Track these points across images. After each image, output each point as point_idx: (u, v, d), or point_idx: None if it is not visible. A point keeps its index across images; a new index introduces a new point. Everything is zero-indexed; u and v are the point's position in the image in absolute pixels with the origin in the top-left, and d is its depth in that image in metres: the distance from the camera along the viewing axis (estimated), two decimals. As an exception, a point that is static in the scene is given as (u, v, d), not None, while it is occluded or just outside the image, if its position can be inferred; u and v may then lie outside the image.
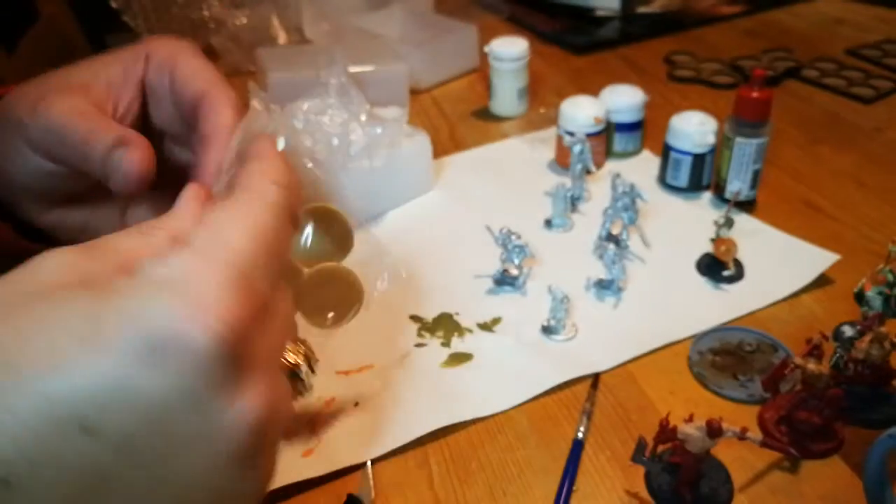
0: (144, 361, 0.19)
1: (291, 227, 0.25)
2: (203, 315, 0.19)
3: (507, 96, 0.77)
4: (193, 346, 0.19)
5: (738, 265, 0.54)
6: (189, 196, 0.27)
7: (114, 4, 0.57)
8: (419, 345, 0.48)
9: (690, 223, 0.59)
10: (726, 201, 0.60)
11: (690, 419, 0.36)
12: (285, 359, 0.26)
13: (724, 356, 0.47)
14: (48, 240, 0.35)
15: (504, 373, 0.46)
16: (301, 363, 0.27)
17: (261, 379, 0.22)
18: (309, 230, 0.32)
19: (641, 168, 0.67)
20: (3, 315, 0.19)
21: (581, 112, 0.65)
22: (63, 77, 0.33)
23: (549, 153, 0.71)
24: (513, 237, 0.52)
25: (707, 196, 0.63)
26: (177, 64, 0.33)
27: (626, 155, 0.70)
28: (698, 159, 0.61)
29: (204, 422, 0.20)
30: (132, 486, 0.20)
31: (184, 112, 0.34)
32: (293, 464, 0.40)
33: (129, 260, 0.22)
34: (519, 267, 0.53)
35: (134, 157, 0.30)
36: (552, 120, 0.76)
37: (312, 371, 0.28)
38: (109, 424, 0.18)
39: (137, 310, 0.19)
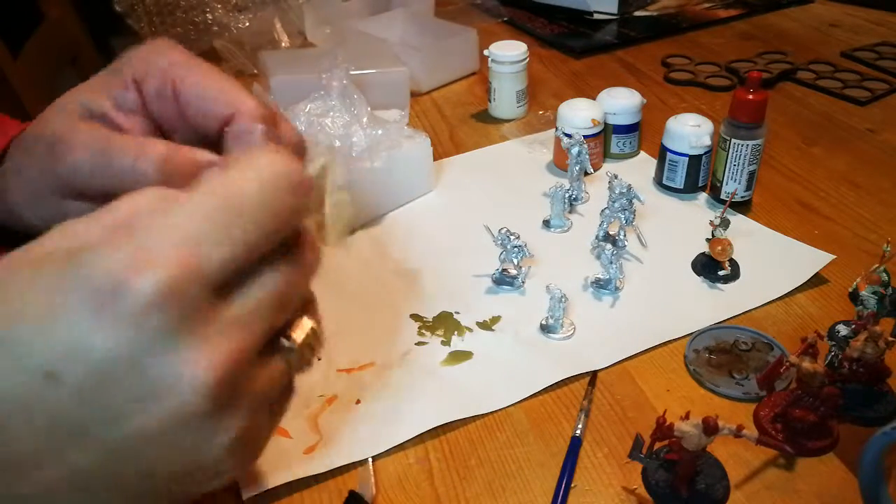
0: (93, 312, 0.20)
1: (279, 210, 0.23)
2: (144, 265, 0.20)
3: (506, 99, 0.78)
4: (133, 295, 0.20)
5: (734, 265, 0.54)
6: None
7: (118, 8, 0.58)
8: (420, 343, 0.49)
9: (687, 224, 0.60)
10: (722, 202, 0.60)
11: (687, 417, 0.36)
12: (285, 334, 0.26)
13: (720, 355, 0.47)
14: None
15: (503, 371, 0.46)
16: (295, 337, 0.26)
17: (217, 340, 0.22)
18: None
19: (638, 169, 0.68)
20: None
21: (579, 114, 0.66)
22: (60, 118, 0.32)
23: (548, 155, 0.71)
24: (512, 237, 0.52)
25: (703, 197, 0.64)
26: (180, 89, 0.31)
27: (623, 156, 0.71)
28: (694, 161, 0.62)
29: (152, 376, 0.21)
30: (100, 440, 0.21)
31: (208, 134, 0.31)
32: (295, 461, 0.41)
33: (128, 218, 0.22)
34: (518, 267, 0.54)
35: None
36: (550, 122, 0.77)
37: (320, 345, 0.27)
38: (70, 374, 0.20)
39: (89, 264, 0.20)
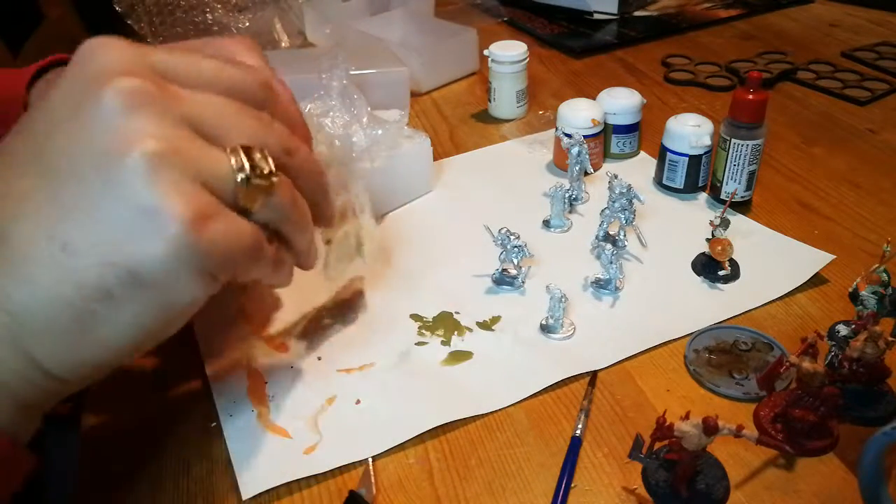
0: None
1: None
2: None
3: (506, 99, 0.78)
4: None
5: (734, 265, 0.54)
6: None
7: (118, 8, 0.57)
8: (419, 343, 0.49)
9: (687, 224, 0.60)
10: (722, 202, 0.60)
11: (687, 417, 0.36)
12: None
13: (720, 354, 0.47)
14: None
15: (503, 371, 0.46)
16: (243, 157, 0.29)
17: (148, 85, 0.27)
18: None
19: (638, 169, 0.68)
20: None
21: (579, 114, 0.66)
22: None
23: (548, 155, 0.71)
24: (512, 237, 0.52)
25: (703, 197, 0.64)
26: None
27: (623, 156, 0.71)
28: (694, 161, 0.62)
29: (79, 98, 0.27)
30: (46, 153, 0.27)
31: None
32: (295, 461, 0.41)
33: None
34: (518, 267, 0.54)
35: None
36: (550, 122, 0.77)
37: (254, 168, 0.29)
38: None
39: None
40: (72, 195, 0.26)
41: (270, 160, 0.29)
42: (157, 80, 0.28)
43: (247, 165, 0.28)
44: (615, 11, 1.02)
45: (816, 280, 0.53)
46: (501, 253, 0.53)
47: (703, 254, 0.55)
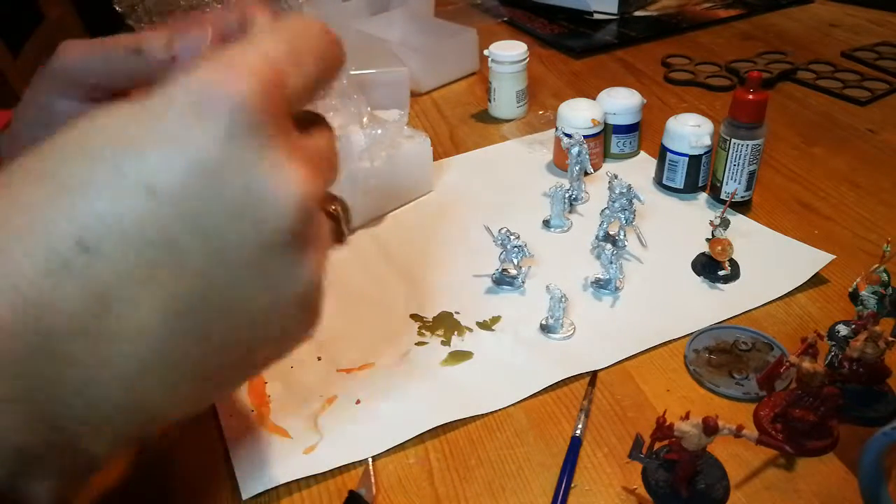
0: (187, 119, 0.20)
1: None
2: (237, 73, 0.21)
3: (506, 99, 0.78)
4: (225, 101, 0.20)
5: (734, 265, 0.54)
6: None
7: (118, 8, 0.57)
8: (420, 343, 0.49)
9: (687, 224, 0.60)
10: (722, 202, 0.60)
11: (687, 417, 0.36)
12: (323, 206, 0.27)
13: (720, 354, 0.47)
14: None
15: (503, 371, 0.46)
16: (338, 208, 0.27)
17: (300, 163, 0.22)
18: None
19: (638, 169, 0.68)
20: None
21: (579, 114, 0.66)
22: None
23: (548, 155, 0.71)
24: (512, 237, 0.52)
25: (703, 197, 0.64)
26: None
27: (623, 156, 0.71)
28: (694, 161, 0.62)
29: (244, 187, 0.21)
30: (190, 259, 0.21)
31: None
32: (295, 461, 0.41)
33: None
34: (518, 267, 0.54)
35: (203, 34, 0.30)
36: (551, 122, 0.77)
37: (348, 221, 0.28)
38: (166, 184, 0.20)
39: (181, 83, 0.21)
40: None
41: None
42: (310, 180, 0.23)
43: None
44: (615, 11, 1.02)
45: (816, 280, 0.53)
46: (501, 253, 0.53)
47: (703, 254, 0.55)
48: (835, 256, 0.54)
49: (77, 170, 0.20)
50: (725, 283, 0.53)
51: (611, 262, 0.52)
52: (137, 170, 0.20)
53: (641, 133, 0.71)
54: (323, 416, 0.44)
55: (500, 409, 0.44)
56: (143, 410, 0.22)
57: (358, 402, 0.45)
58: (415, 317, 0.51)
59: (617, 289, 0.53)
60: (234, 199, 0.21)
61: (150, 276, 0.20)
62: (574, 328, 0.50)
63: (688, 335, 0.49)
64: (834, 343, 0.44)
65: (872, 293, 0.44)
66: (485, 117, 0.80)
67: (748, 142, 0.58)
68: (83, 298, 0.19)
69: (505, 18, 1.06)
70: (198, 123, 0.20)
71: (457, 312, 0.52)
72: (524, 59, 0.77)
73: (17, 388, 0.19)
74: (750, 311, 0.51)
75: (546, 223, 0.61)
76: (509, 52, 0.76)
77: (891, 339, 0.40)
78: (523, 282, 0.54)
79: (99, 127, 0.21)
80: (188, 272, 0.21)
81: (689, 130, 0.61)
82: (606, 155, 0.70)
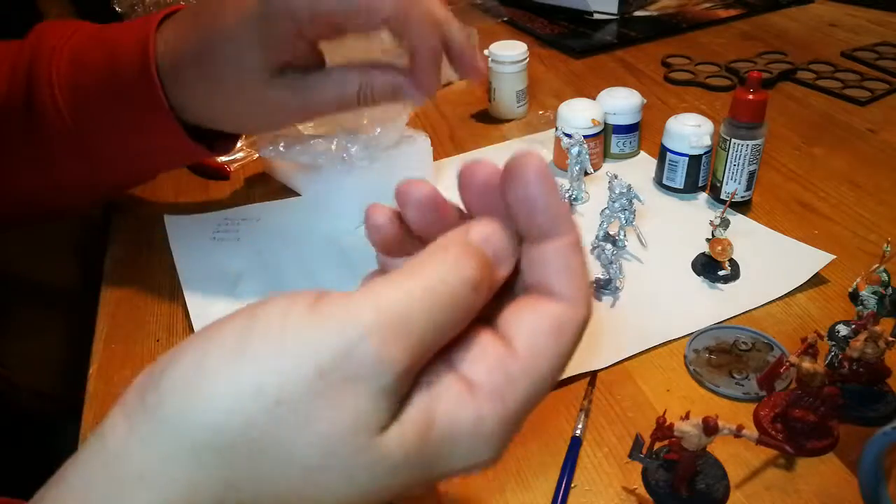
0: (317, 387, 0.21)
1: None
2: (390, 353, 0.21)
3: (506, 99, 0.78)
4: (365, 371, 0.21)
5: (734, 265, 0.54)
6: None
7: (118, 8, 0.57)
8: (419, 344, 0.49)
9: (687, 224, 0.60)
10: (722, 202, 0.60)
11: (687, 417, 0.36)
12: None
13: (720, 354, 0.47)
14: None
15: (503, 371, 0.46)
16: None
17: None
18: None
19: (638, 169, 0.68)
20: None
21: (579, 114, 0.66)
22: None
23: (548, 155, 0.71)
24: (512, 238, 0.52)
25: (703, 197, 0.64)
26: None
27: (623, 156, 0.71)
28: (694, 161, 0.62)
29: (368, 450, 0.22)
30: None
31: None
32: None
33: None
34: (518, 267, 0.53)
35: None
36: (550, 122, 0.77)
37: None
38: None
39: (312, 341, 0.21)
40: None
41: None
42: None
43: None
44: (615, 11, 1.02)
45: (816, 280, 0.53)
46: (501, 253, 0.53)
47: (703, 254, 0.55)
48: (835, 256, 0.54)
49: None
50: (725, 283, 0.53)
51: (611, 262, 0.52)
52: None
53: (641, 133, 0.71)
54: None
55: (500, 409, 0.44)
56: None
57: (358, 402, 0.44)
58: (415, 317, 0.51)
59: (617, 289, 0.53)
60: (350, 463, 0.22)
61: None
62: (574, 328, 0.49)
63: (688, 335, 0.49)
64: (834, 343, 0.44)
65: (872, 293, 0.44)
66: (485, 117, 0.80)
67: (748, 142, 0.58)
68: None
69: (505, 18, 1.06)
70: (323, 396, 0.21)
71: (457, 312, 0.51)
72: (524, 59, 0.77)
73: None
74: (750, 311, 0.51)
75: (546, 223, 0.61)
76: (509, 52, 0.76)
77: (891, 339, 0.40)
78: (523, 282, 0.54)
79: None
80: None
81: (689, 130, 0.61)
82: (606, 155, 0.70)
